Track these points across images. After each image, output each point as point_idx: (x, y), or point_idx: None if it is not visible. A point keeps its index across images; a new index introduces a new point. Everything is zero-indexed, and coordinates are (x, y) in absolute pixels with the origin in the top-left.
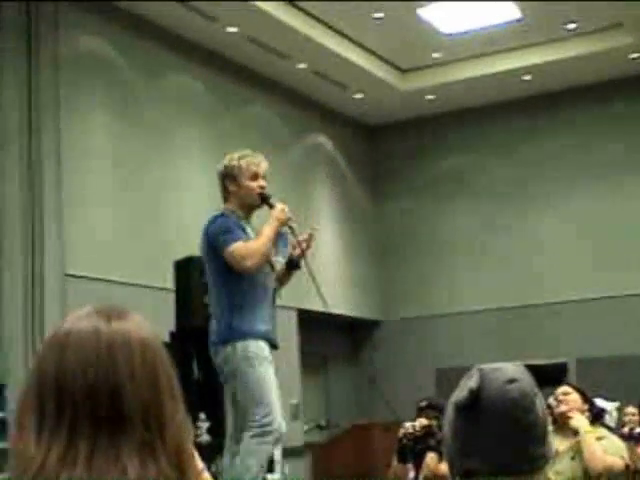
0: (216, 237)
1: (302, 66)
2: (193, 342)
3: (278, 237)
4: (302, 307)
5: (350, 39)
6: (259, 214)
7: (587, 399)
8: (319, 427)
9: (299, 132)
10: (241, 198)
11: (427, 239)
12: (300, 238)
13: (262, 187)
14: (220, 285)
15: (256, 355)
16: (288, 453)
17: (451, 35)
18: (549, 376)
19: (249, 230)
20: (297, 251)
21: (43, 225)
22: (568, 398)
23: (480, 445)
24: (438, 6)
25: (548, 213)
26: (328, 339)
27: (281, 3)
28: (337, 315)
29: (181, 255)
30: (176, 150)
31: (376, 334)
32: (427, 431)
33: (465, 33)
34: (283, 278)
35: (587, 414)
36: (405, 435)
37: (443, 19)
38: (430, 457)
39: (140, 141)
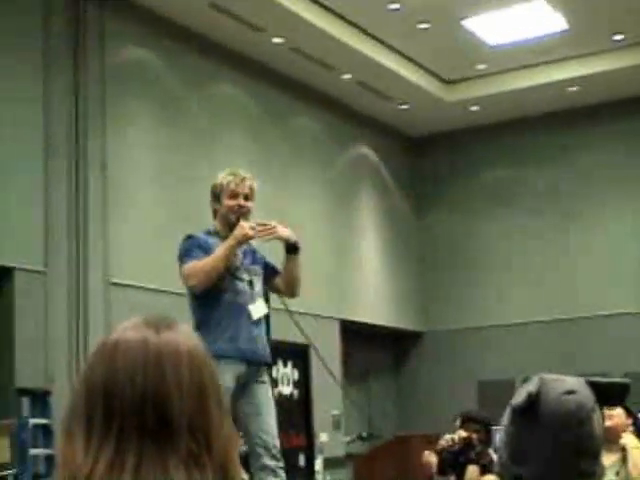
0: (179, 258)
1: (347, 77)
2: None
3: (247, 255)
4: (345, 318)
5: (395, 50)
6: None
7: (631, 413)
8: (361, 438)
9: (343, 143)
10: (222, 216)
11: (470, 251)
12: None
13: (240, 206)
14: (190, 303)
15: None
16: (330, 463)
17: (496, 46)
18: (609, 395)
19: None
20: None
21: (88, 234)
22: (613, 413)
23: (531, 453)
24: (483, 17)
25: (594, 226)
26: (370, 350)
27: (327, 14)
28: (379, 326)
29: None
30: (221, 160)
31: (418, 346)
32: (467, 443)
33: (510, 44)
34: (288, 271)
35: (631, 428)
36: (445, 448)
37: (488, 30)
38: (471, 470)
39: (185, 151)
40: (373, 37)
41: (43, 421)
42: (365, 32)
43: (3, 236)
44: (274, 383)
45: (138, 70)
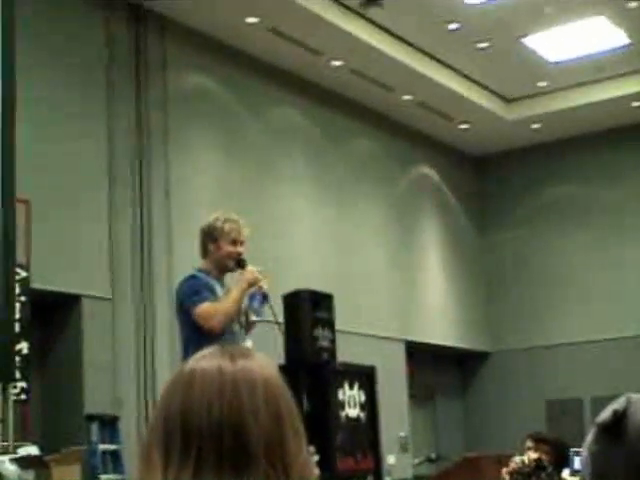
0: (186, 298)
1: (407, 98)
2: (303, 375)
3: (251, 298)
4: (410, 339)
5: (455, 69)
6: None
7: None
8: (429, 460)
9: (404, 164)
10: (217, 259)
11: (535, 270)
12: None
13: (239, 253)
14: (188, 342)
15: None
16: None
17: (556, 63)
18: None
19: (218, 290)
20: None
21: (152, 261)
22: None
23: (615, 473)
24: (543, 34)
25: None
26: (436, 371)
27: (385, 36)
28: (445, 347)
29: (289, 288)
30: (282, 183)
31: (485, 366)
32: (537, 464)
33: (571, 61)
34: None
35: None
36: (516, 469)
37: (548, 47)
38: None
39: (246, 174)
40: (433, 57)
41: (112, 447)
42: (425, 53)
43: (70, 265)
44: (341, 406)
45: (199, 97)
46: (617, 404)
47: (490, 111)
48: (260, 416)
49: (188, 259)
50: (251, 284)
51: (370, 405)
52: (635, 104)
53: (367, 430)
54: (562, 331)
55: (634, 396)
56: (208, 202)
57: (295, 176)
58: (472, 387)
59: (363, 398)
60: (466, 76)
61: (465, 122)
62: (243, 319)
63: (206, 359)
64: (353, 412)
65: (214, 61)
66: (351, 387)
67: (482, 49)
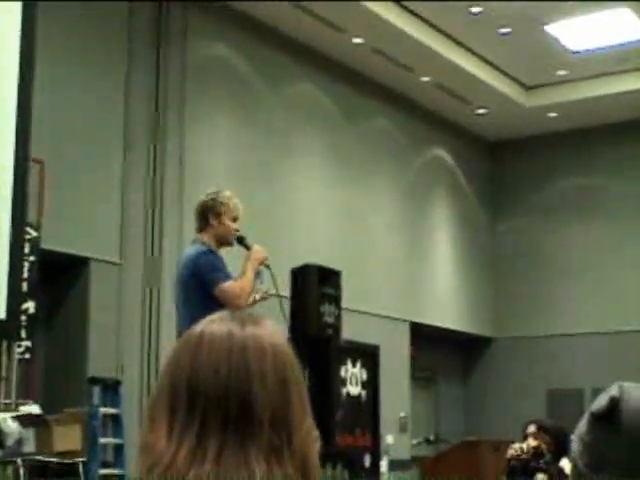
0: (206, 272)
1: (426, 79)
2: (306, 349)
3: (255, 275)
4: (415, 320)
5: (475, 53)
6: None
7: None
8: (427, 441)
9: (420, 145)
10: (219, 234)
11: (544, 258)
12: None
13: (237, 230)
14: (196, 313)
15: None
16: (395, 465)
17: (578, 52)
18: None
19: None
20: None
21: (164, 229)
22: None
23: (613, 458)
24: (566, 23)
25: None
26: (440, 354)
27: (408, 15)
28: (450, 330)
29: (299, 261)
30: (296, 157)
31: (488, 352)
32: (536, 452)
33: (592, 51)
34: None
35: None
36: (514, 456)
37: (570, 36)
38: (540, 478)
39: (261, 147)
40: (454, 40)
41: (113, 411)
42: (446, 35)
43: (81, 228)
44: (342, 383)
45: (218, 68)
46: (612, 391)
47: (508, 97)
48: (267, 383)
49: None
50: (260, 262)
51: (372, 384)
52: None
53: (367, 408)
54: (567, 321)
55: (626, 384)
56: (222, 173)
57: (310, 151)
58: (474, 372)
59: (365, 376)
60: (486, 61)
61: (483, 107)
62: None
63: (216, 323)
64: (354, 390)
65: (235, 32)
66: (354, 365)
67: (504, 34)
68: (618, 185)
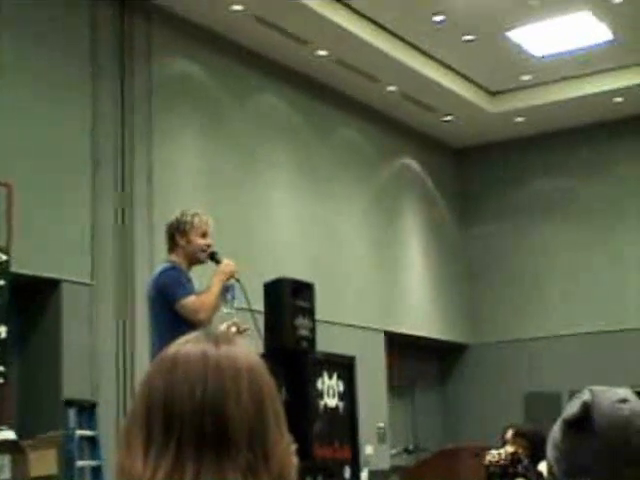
0: (168, 289)
1: (391, 89)
2: (282, 364)
3: (224, 289)
4: (391, 330)
5: (439, 61)
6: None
7: None
8: (406, 451)
9: (387, 154)
10: (188, 253)
11: (516, 263)
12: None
13: (208, 245)
14: (164, 333)
15: None
16: (376, 476)
17: (541, 57)
18: None
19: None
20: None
21: (134, 247)
22: None
23: (587, 464)
24: (528, 28)
25: (636, 235)
26: (416, 362)
27: (371, 26)
28: (425, 338)
29: (270, 275)
30: (265, 171)
31: (464, 358)
32: (514, 458)
33: (555, 55)
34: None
35: None
36: (492, 462)
37: (533, 41)
38: None
39: (229, 162)
40: (418, 49)
41: (89, 433)
42: (410, 44)
43: (51, 249)
44: (319, 395)
45: (184, 83)
46: (584, 395)
47: (474, 104)
48: (243, 402)
49: None
50: (229, 276)
51: (349, 395)
52: (617, 100)
53: (345, 420)
54: (542, 324)
55: (596, 387)
56: (190, 188)
57: (277, 164)
58: (451, 379)
59: (342, 388)
60: (451, 68)
61: (449, 114)
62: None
63: (190, 343)
64: (332, 402)
65: (199, 48)
66: (330, 377)
67: (467, 41)
68: (586, 188)
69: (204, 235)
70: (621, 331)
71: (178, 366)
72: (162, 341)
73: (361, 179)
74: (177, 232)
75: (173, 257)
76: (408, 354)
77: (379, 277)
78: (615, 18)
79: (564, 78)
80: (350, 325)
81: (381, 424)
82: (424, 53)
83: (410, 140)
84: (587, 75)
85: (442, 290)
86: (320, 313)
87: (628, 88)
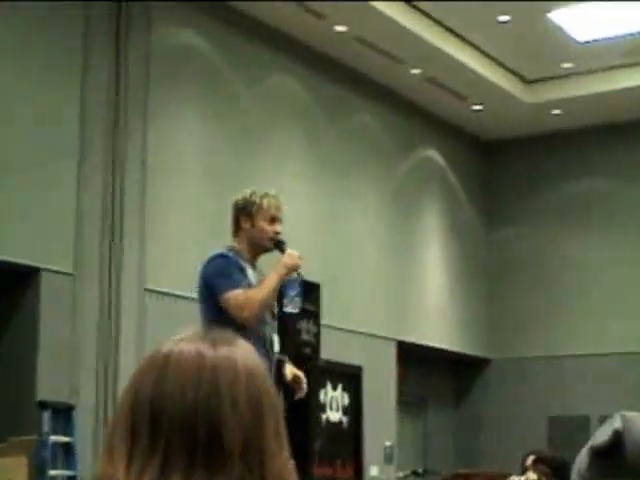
0: (213, 279)
1: (416, 72)
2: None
3: (288, 285)
4: (403, 339)
5: (470, 44)
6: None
7: None
8: (415, 474)
9: (408, 144)
10: (252, 238)
11: (545, 270)
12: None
13: (277, 232)
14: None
15: None
16: None
17: (585, 43)
18: None
19: (250, 273)
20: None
21: (123, 236)
22: None
23: None
24: (572, 10)
25: None
26: (430, 377)
27: (396, 1)
28: (441, 350)
29: None
30: (272, 156)
31: (484, 374)
32: None
33: (601, 41)
34: None
35: None
36: None
37: (577, 24)
38: None
39: (234, 145)
40: (446, 28)
41: (65, 439)
42: (438, 22)
43: (32, 235)
44: (322, 408)
45: (185, 57)
46: (615, 423)
47: (507, 92)
48: (239, 409)
49: (163, 235)
50: (291, 270)
51: (354, 409)
52: None
53: (349, 436)
54: (571, 341)
55: (629, 414)
56: (189, 174)
57: (287, 150)
58: (468, 396)
59: (347, 401)
60: (483, 51)
61: (478, 103)
62: (276, 308)
63: (185, 342)
64: (335, 416)
65: (205, 18)
66: (334, 388)
67: (502, 22)
68: (630, 191)
69: (273, 220)
70: None
71: (170, 365)
72: None
73: (377, 172)
74: (242, 213)
75: (235, 242)
76: (421, 367)
77: (393, 281)
78: None
79: (609, 67)
80: (359, 332)
81: (388, 443)
82: (453, 33)
83: (434, 130)
84: (635, 65)
85: (462, 298)
86: (326, 317)
87: None
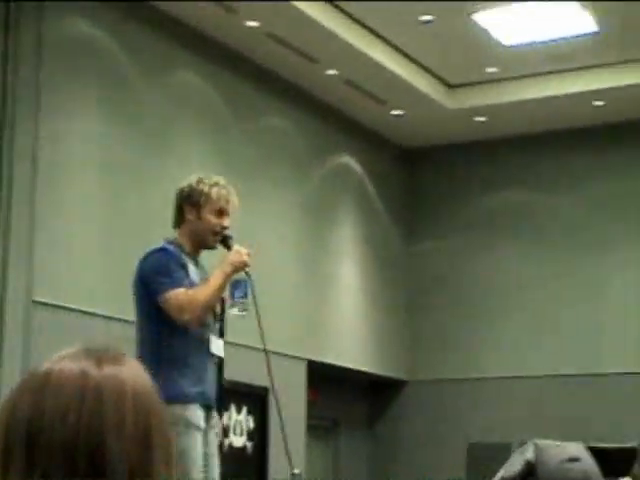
0: (151, 277)
1: (331, 72)
2: None
3: (234, 285)
4: (314, 359)
5: (391, 44)
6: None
7: None
8: None
9: (322, 149)
10: (196, 231)
11: (466, 287)
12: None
13: (224, 227)
14: (148, 333)
15: (184, 422)
16: None
17: (511, 47)
18: (614, 463)
19: (192, 269)
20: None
21: (9, 242)
22: None
23: None
24: (498, 12)
25: (618, 263)
26: (342, 399)
27: None
28: (354, 371)
29: None
30: (175, 158)
31: (400, 397)
32: None
33: (528, 45)
34: None
35: None
36: None
37: (503, 27)
38: None
39: (134, 145)
40: (365, 26)
41: None
42: (356, 20)
43: None
44: (224, 432)
45: (82, 49)
46: (528, 453)
47: (429, 97)
48: (125, 434)
49: (55, 242)
50: (238, 269)
51: (260, 434)
52: (597, 103)
53: (253, 463)
54: (493, 362)
55: (542, 442)
56: (82, 174)
57: (189, 153)
58: (383, 421)
59: (252, 425)
60: (404, 53)
61: (399, 107)
62: (218, 309)
63: (67, 359)
64: (239, 441)
65: (105, 8)
66: (238, 411)
67: (425, 22)
68: (560, 205)
69: (221, 213)
70: (588, 376)
71: (50, 386)
72: (154, 344)
73: (288, 177)
74: (187, 203)
75: (177, 234)
76: (333, 388)
77: (304, 297)
78: (602, 6)
79: (536, 74)
80: (265, 350)
81: (297, 470)
82: (372, 32)
83: (351, 135)
84: (563, 72)
85: (378, 316)
86: (229, 333)
87: (611, 90)
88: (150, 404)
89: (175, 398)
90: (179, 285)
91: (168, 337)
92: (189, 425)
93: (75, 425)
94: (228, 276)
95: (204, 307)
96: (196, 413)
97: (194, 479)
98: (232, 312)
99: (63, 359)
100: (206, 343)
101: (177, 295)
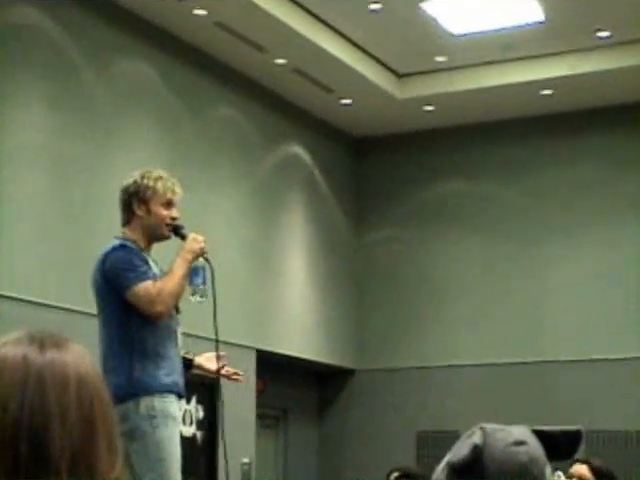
0: (118, 273)
1: (280, 61)
2: None
3: (193, 272)
4: (262, 348)
5: (339, 33)
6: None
7: (599, 473)
8: None
9: (271, 139)
10: (148, 226)
11: (415, 277)
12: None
13: (174, 218)
14: (117, 328)
15: (162, 413)
16: None
17: (460, 36)
18: (558, 446)
19: (152, 264)
20: (213, 366)
21: None
22: (580, 471)
23: None
24: (447, 1)
25: (562, 253)
26: (291, 388)
27: None
28: (303, 360)
29: None
30: (123, 148)
31: (348, 386)
32: None
33: (476, 34)
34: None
35: None
36: None
37: (452, 16)
38: None
39: (81, 137)
40: (314, 16)
41: None
42: (304, 8)
43: None
44: None
45: (29, 36)
46: (474, 437)
47: (378, 86)
48: (68, 420)
49: (4, 235)
50: (197, 255)
51: (209, 423)
52: (545, 92)
53: (203, 453)
54: (441, 350)
55: (489, 427)
56: (32, 167)
57: (138, 143)
58: (332, 409)
59: (201, 414)
60: (352, 42)
61: (347, 96)
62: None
63: (9, 346)
64: (188, 430)
65: None
66: (188, 400)
67: (374, 11)
68: (506, 194)
69: (169, 205)
70: (535, 363)
71: None
72: (125, 339)
73: (237, 167)
74: (135, 199)
75: (128, 232)
76: (282, 377)
77: (253, 286)
78: None
79: (484, 63)
80: (213, 339)
81: (246, 459)
82: (321, 21)
83: (300, 124)
84: (512, 61)
85: (327, 306)
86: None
87: (559, 79)
88: (94, 389)
89: (153, 390)
90: (145, 278)
91: (139, 330)
92: (167, 416)
93: (17, 413)
94: (189, 263)
95: (173, 297)
96: (173, 404)
97: (172, 470)
98: (193, 299)
99: (6, 344)
100: (174, 334)
101: (146, 288)
